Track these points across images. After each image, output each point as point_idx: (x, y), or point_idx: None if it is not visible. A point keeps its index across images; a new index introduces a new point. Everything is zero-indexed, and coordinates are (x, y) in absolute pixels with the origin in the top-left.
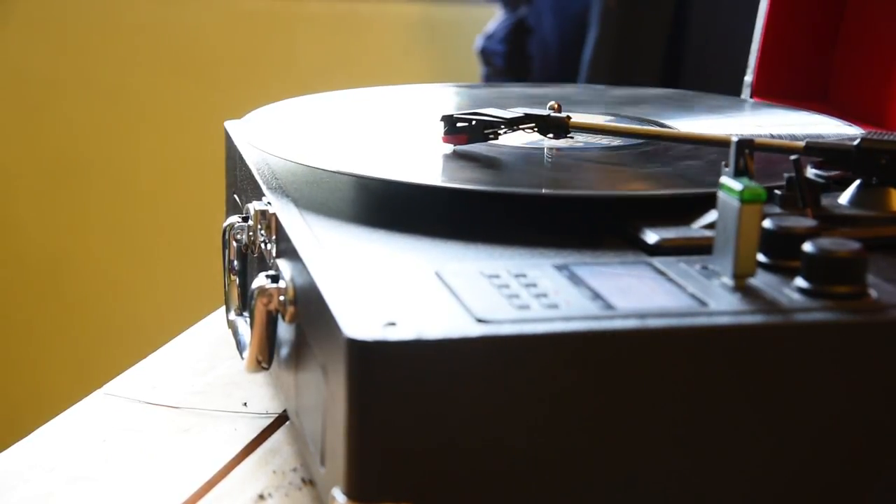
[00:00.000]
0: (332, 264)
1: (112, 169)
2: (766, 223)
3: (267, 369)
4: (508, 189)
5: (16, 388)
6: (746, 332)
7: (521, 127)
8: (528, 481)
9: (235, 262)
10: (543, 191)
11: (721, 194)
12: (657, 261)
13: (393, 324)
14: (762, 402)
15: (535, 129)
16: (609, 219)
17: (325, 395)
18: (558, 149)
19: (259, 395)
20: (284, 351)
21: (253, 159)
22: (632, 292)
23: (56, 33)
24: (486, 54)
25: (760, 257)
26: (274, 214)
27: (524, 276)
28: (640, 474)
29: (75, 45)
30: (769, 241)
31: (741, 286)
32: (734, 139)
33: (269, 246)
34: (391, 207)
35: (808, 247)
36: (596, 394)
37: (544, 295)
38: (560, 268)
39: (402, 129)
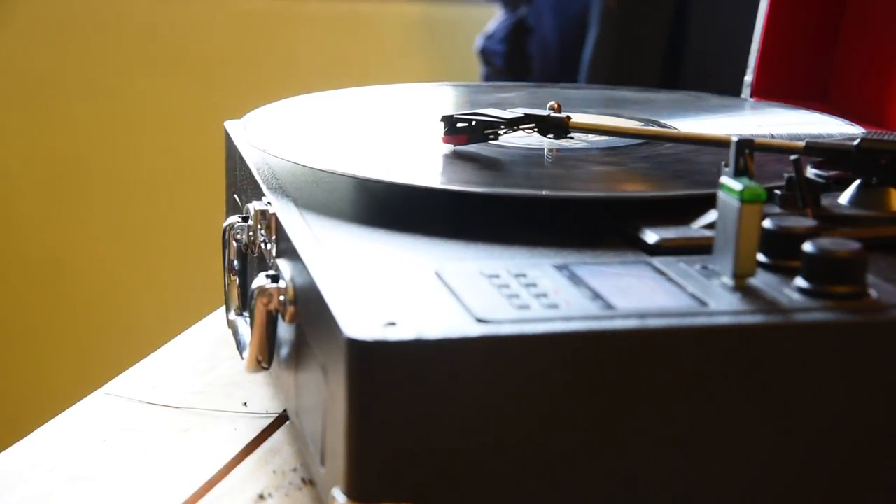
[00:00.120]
0: (332, 264)
1: (112, 169)
2: (766, 223)
3: (267, 369)
4: (509, 191)
5: (16, 388)
6: (746, 332)
7: (521, 127)
8: (528, 481)
9: (235, 262)
10: (544, 192)
11: (721, 194)
12: (657, 261)
13: (393, 324)
14: (762, 402)
15: (536, 130)
16: (609, 219)
17: (325, 395)
18: (558, 149)
19: (259, 395)
20: (284, 351)
21: (253, 159)
22: (632, 292)
23: (57, 33)
24: (486, 54)
25: (760, 257)
26: (274, 214)
27: (524, 276)
28: (640, 474)
29: (76, 45)
30: (769, 241)
31: (741, 286)
32: (734, 139)
33: (269, 246)
34: (391, 208)
35: (808, 247)
36: (596, 394)
37: (544, 295)
38: (560, 268)
39: (402, 129)
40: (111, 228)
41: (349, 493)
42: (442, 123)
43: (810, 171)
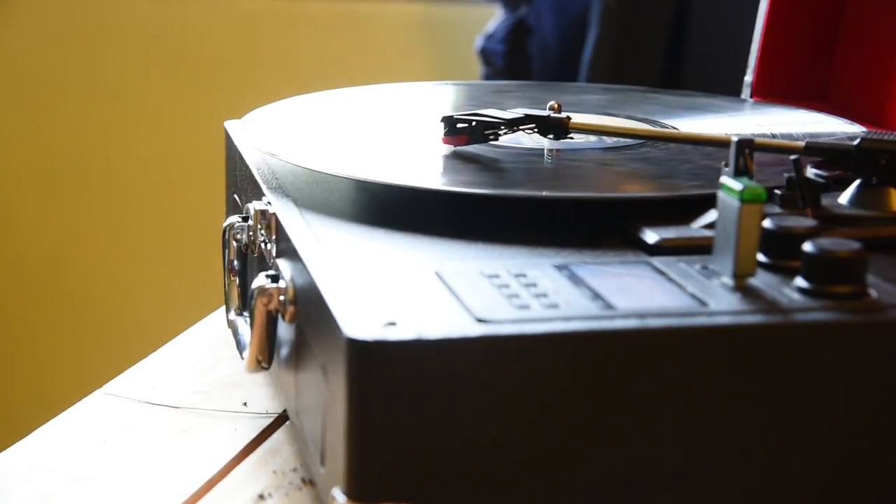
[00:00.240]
0: (332, 264)
1: (112, 169)
2: (766, 223)
3: (267, 369)
4: (509, 192)
5: (16, 388)
6: (746, 332)
7: (521, 128)
8: (528, 481)
9: (235, 262)
10: (544, 193)
11: (721, 194)
12: (657, 261)
13: (393, 324)
14: (762, 402)
15: (536, 130)
16: (609, 219)
17: (325, 395)
18: (558, 149)
19: (259, 395)
20: (284, 351)
21: (253, 159)
22: (632, 292)
23: (57, 34)
24: (486, 54)
25: (760, 257)
26: (274, 214)
27: (524, 275)
28: (640, 474)
29: (76, 45)
30: (769, 241)
31: (741, 286)
32: (734, 139)
33: (269, 246)
34: (392, 208)
35: (808, 247)
36: (596, 393)
37: (544, 295)
38: (560, 268)
39: (402, 130)
40: (111, 228)
41: (349, 493)
42: (442, 124)
43: (810, 171)
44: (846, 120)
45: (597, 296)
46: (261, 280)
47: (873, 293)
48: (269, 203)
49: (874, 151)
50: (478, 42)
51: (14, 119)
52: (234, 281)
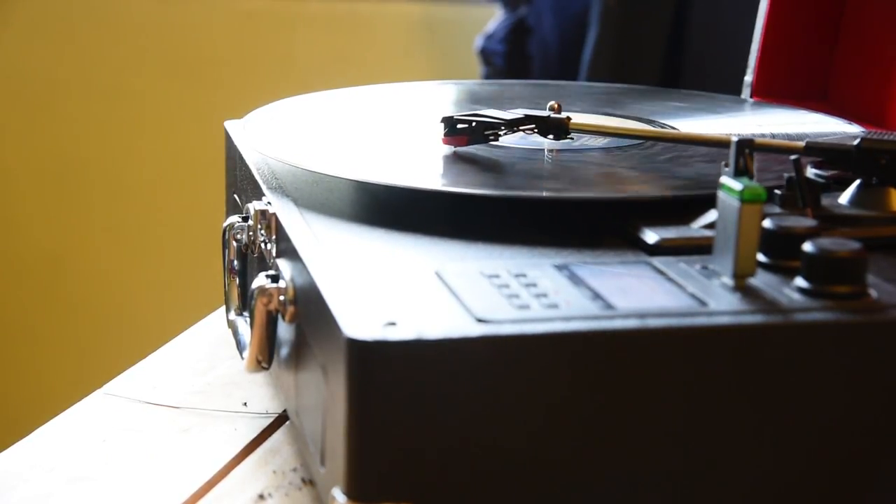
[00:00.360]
0: (332, 264)
1: (112, 169)
2: (766, 223)
3: (267, 369)
4: (509, 193)
5: (16, 388)
6: (746, 332)
7: (521, 128)
8: (528, 481)
9: (235, 262)
10: (544, 194)
11: (721, 194)
12: (657, 261)
13: (393, 324)
14: (762, 402)
15: (536, 131)
16: (609, 219)
17: (325, 395)
18: (558, 150)
19: (259, 395)
20: (284, 351)
21: (253, 159)
22: (632, 292)
23: (56, 33)
24: (486, 54)
25: (760, 257)
26: (274, 214)
27: (524, 275)
28: (640, 474)
29: (75, 45)
30: (769, 241)
31: (741, 286)
32: (734, 139)
33: (269, 246)
34: (392, 208)
35: (808, 247)
36: (596, 394)
37: (544, 295)
38: (560, 268)
39: (402, 130)
40: (111, 228)
41: (349, 493)
42: (442, 125)
43: (810, 171)
44: (846, 120)
45: (597, 296)
46: (261, 280)
47: (873, 293)
48: (269, 203)
49: (874, 151)
50: (478, 42)
51: (14, 119)
52: (234, 281)
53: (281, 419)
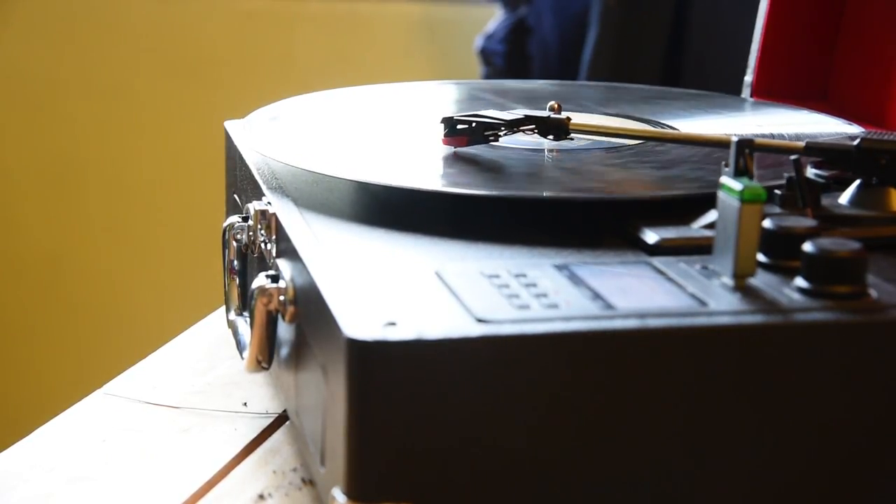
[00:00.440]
0: (332, 264)
1: (112, 169)
2: (766, 223)
3: (267, 369)
4: (510, 193)
5: (16, 388)
6: (746, 332)
7: (521, 129)
8: (528, 481)
9: (235, 262)
10: (545, 194)
11: (721, 194)
12: (657, 261)
13: (393, 324)
14: (762, 402)
15: (536, 131)
16: (609, 219)
17: (325, 395)
18: (558, 150)
19: (259, 395)
20: (284, 351)
21: (253, 159)
22: (632, 292)
23: (56, 33)
24: (486, 54)
25: (760, 257)
26: (274, 214)
27: (524, 275)
28: (640, 474)
29: (76, 45)
30: (769, 241)
31: (741, 286)
32: (734, 139)
33: (269, 246)
34: (392, 208)
35: (808, 247)
36: (596, 394)
37: (544, 295)
38: (560, 268)
39: (402, 130)
40: (111, 228)
41: (349, 493)
42: (442, 125)
43: (810, 171)
44: (845, 120)
45: (597, 296)
46: (261, 280)
47: (873, 293)
48: (269, 203)
49: (874, 151)
50: (478, 42)
51: (14, 119)
52: (234, 281)
53: (281, 419)
